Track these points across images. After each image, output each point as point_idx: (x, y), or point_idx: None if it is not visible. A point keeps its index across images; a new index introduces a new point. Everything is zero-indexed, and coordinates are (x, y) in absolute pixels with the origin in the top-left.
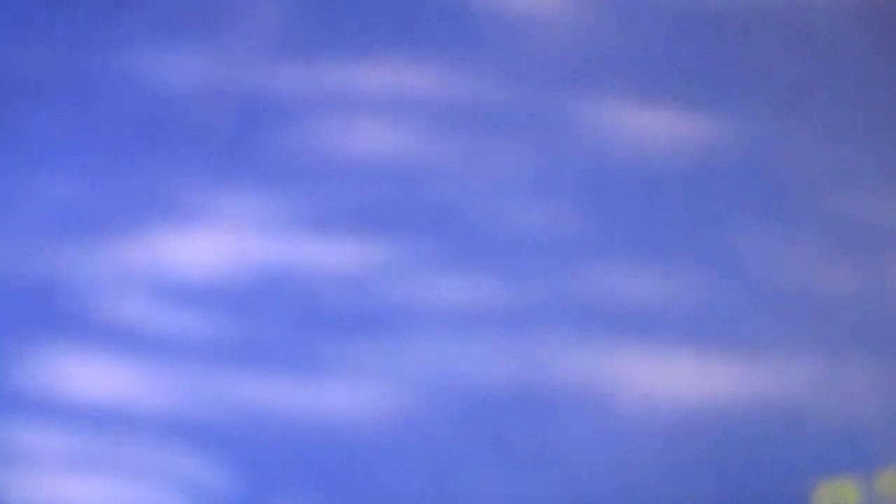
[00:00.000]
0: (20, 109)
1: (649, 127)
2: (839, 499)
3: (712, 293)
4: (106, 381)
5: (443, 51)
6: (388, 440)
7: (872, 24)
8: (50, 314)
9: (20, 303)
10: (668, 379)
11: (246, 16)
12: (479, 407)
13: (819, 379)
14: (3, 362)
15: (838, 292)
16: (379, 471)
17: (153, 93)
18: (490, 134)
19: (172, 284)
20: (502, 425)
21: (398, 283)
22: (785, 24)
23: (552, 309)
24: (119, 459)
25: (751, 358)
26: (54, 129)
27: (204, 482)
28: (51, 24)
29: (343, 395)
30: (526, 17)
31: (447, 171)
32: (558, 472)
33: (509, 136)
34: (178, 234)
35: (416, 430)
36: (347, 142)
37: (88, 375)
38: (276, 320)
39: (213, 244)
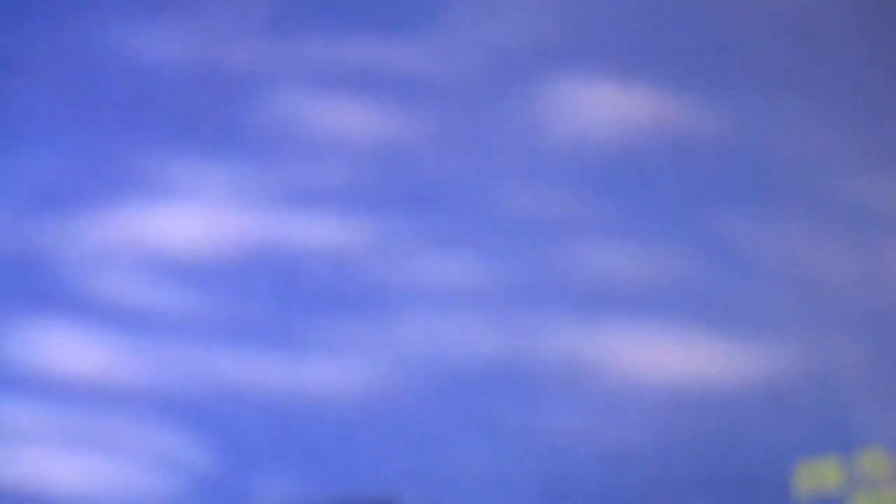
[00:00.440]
0: (1, 86)
1: (633, 105)
2: (822, 479)
3: (697, 272)
4: (86, 357)
5: (424, 28)
6: (370, 417)
7: (860, 5)
8: (30, 290)
9: (0, 278)
10: (653, 358)
11: None
12: (462, 385)
13: (803, 359)
14: None
15: (824, 273)
16: (361, 448)
17: (134, 69)
18: (472, 112)
19: (153, 260)
20: (486, 403)
21: (381, 260)
22: (771, 4)
23: (536, 287)
24: (99, 435)
25: (735, 338)
26: (34, 106)
27: (184, 458)
28: (33, 1)
29: (325, 372)
30: None
31: (429, 148)
32: (542, 449)
33: (492, 114)
34: (159, 209)
35: (399, 407)
36: (329, 118)
37: (68, 351)
38: (258, 296)
39: (194, 220)
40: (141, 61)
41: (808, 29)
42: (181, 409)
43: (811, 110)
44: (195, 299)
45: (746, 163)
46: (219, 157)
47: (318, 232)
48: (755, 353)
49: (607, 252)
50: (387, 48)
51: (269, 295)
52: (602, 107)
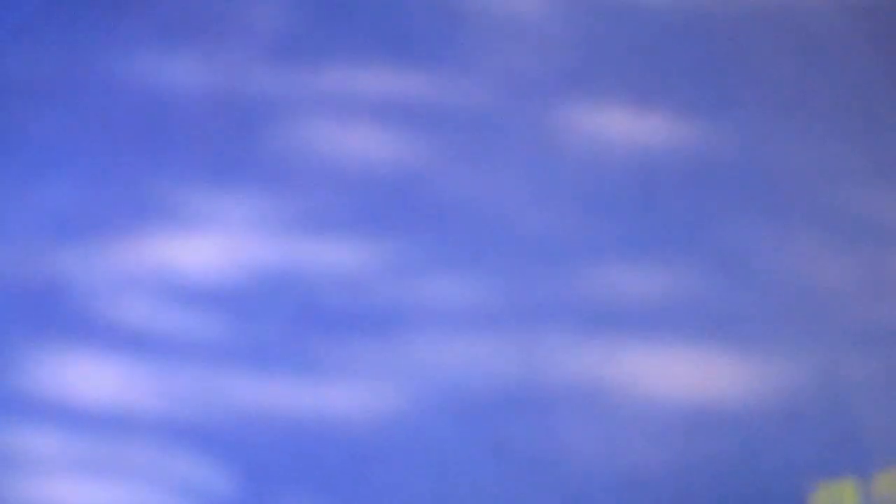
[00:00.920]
0: (21, 114)
1: (646, 129)
2: (838, 500)
3: (711, 292)
4: (107, 384)
5: (440, 56)
6: (388, 442)
7: (867, 23)
8: (51, 317)
9: (22, 306)
10: (667, 378)
11: (245, 21)
12: (479, 408)
13: (819, 378)
14: (5, 365)
15: (838, 289)
16: (380, 472)
17: (153, 97)
18: (487, 137)
19: (174, 287)
20: (502, 426)
21: (397, 284)
22: (779, 26)
23: (551, 310)
24: (122, 462)
25: (751, 357)
26: (56, 134)
27: (205, 484)
28: (51, 29)
29: (343, 397)
30: (522, 22)
31: (445, 174)
32: (558, 472)
33: (507, 140)
34: (179, 237)
35: (417, 431)
36: (346, 146)
37: (90, 378)
38: (277, 322)
39: (213, 247)
40: (161, 90)
41: (814, 49)
42: (203, 435)
43: (820, 128)
44: (215, 326)
45: (758, 181)
46: (238, 185)
47: (336, 257)
48: (770, 373)
49: (621, 273)
50: (403, 77)
51: (288, 321)
52: (615, 129)
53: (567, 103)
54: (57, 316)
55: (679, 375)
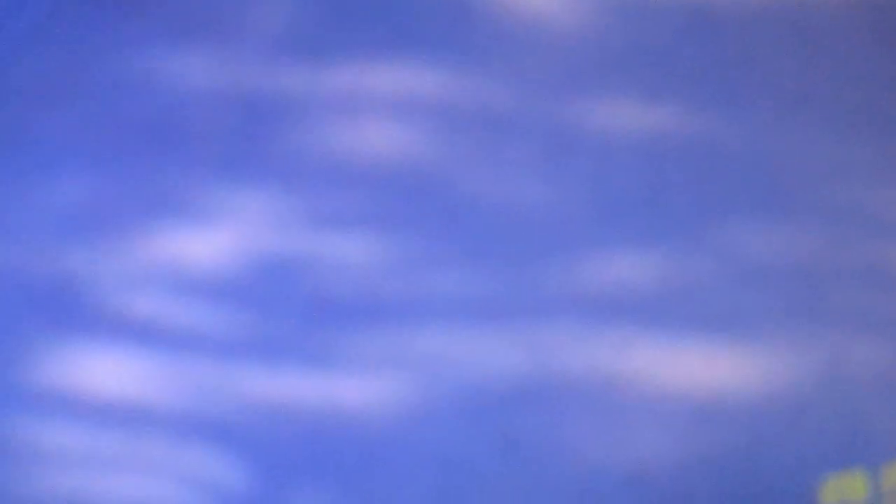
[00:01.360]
0: (33, 112)
1: (655, 124)
2: (847, 493)
3: (719, 286)
4: (121, 378)
5: (449, 52)
6: (399, 433)
7: (874, 21)
8: (65, 313)
9: (36, 302)
10: (675, 373)
11: (255, 18)
12: (488, 400)
13: (825, 371)
14: (19, 360)
15: (844, 283)
16: (390, 463)
17: (164, 94)
18: (498, 132)
19: (186, 282)
20: (511, 418)
21: (409, 278)
22: (786, 23)
23: (561, 304)
24: (136, 456)
25: (758, 350)
26: (67, 132)
27: (217, 476)
28: (62, 28)
29: (355, 390)
30: (531, 19)
31: (456, 169)
32: (566, 465)
33: (517, 135)
34: (192, 232)
35: (427, 423)
36: (356, 141)
37: (103, 373)
38: (290, 316)
39: (225, 242)
40: (172, 88)
41: (821, 45)
42: (215, 427)
43: (826, 123)
44: (228, 320)
45: (765, 176)
46: (250, 181)
47: (347, 252)
48: (779, 366)
49: (630, 267)
50: (412, 73)
51: (300, 314)
52: (625, 127)
53: (576, 99)
54: (70, 311)
55: (687, 369)
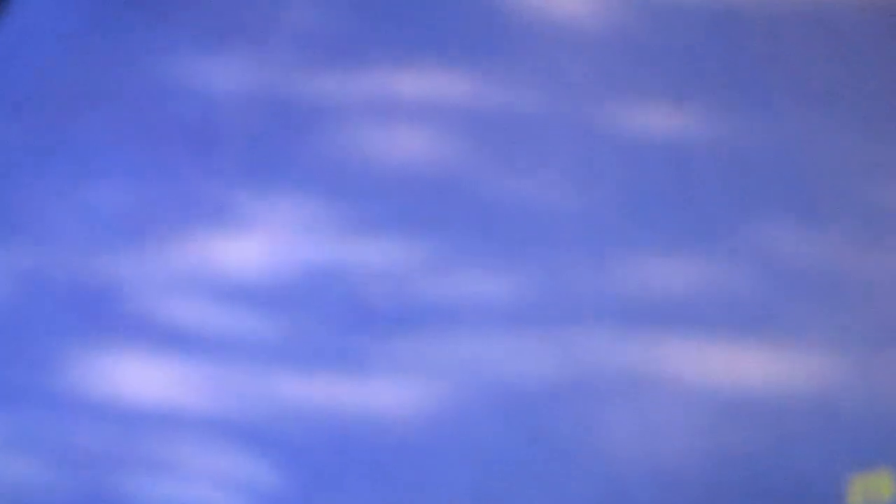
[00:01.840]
0: (71, 119)
1: (682, 126)
2: (874, 492)
3: (748, 286)
4: (158, 383)
5: (480, 57)
6: (433, 436)
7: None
8: (102, 318)
9: (73, 307)
10: (704, 372)
11: (288, 25)
12: (520, 402)
13: (853, 370)
14: (58, 365)
15: (871, 283)
16: (424, 466)
17: (199, 100)
18: (527, 136)
19: (222, 287)
20: (542, 419)
21: (441, 282)
22: (814, 24)
23: (590, 305)
24: (170, 459)
25: (786, 350)
26: (104, 138)
27: (253, 480)
28: (99, 35)
29: (388, 393)
30: (560, 24)
31: (487, 173)
32: (598, 464)
33: (546, 138)
34: (227, 237)
35: (460, 426)
36: (388, 146)
37: (140, 376)
38: (324, 321)
39: (260, 247)
40: (209, 94)
41: (848, 46)
42: (251, 432)
43: (853, 124)
44: (263, 325)
45: (792, 176)
46: (284, 187)
47: (380, 257)
48: (806, 365)
49: (658, 268)
50: (444, 78)
51: (334, 319)
52: (652, 127)
53: (604, 102)
54: (108, 316)
55: (716, 368)
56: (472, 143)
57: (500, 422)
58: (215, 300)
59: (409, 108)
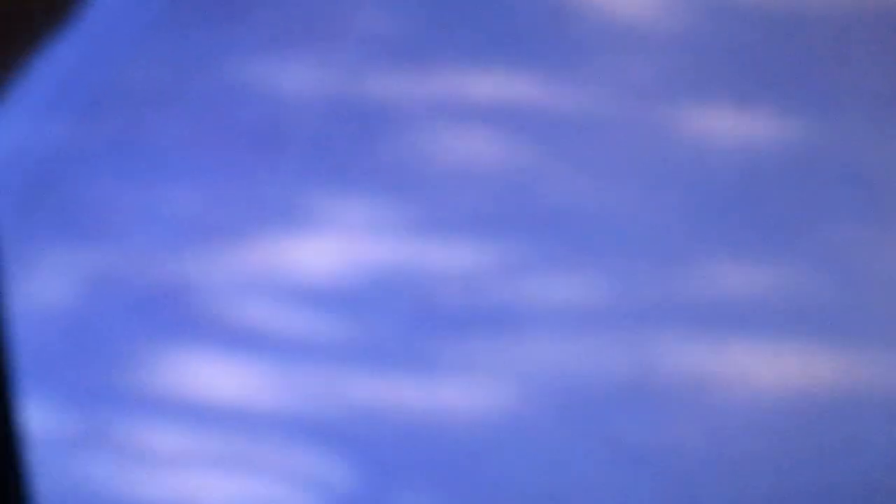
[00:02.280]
0: (144, 122)
1: (751, 128)
2: None
3: (816, 288)
4: (230, 382)
5: (549, 60)
6: (502, 437)
7: None
8: (175, 318)
9: (147, 308)
10: (772, 375)
11: (359, 27)
12: (589, 403)
13: None
14: (133, 365)
15: None
16: (494, 466)
17: (270, 102)
18: (597, 138)
19: (293, 288)
20: (612, 421)
21: (510, 284)
22: (881, 25)
23: (659, 308)
24: (243, 457)
25: (853, 353)
26: (176, 140)
27: (325, 478)
28: (171, 37)
29: (458, 394)
30: (628, 26)
31: (556, 175)
32: (666, 465)
33: (615, 141)
34: (298, 238)
35: (530, 426)
36: (459, 148)
37: (214, 377)
38: (393, 321)
39: (331, 248)
40: (279, 95)
41: None
42: (322, 431)
43: None
44: (334, 325)
45: (861, 179)
46: (354, 187)
47: (450, 258)
48: (873, 368)
49: (727, 271)
50: (514, 80)
51: (403, 320)
52: (720, 129)
53: (673, 104)
54: (181, 317)
55: (784, 371)
56: (541, 146)
57: (569, 423)
58: (287, 300)
59: (478, 110)
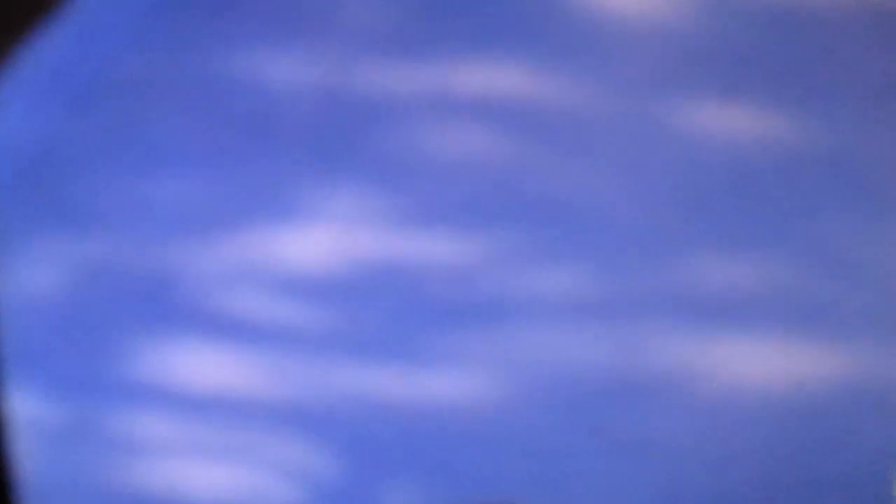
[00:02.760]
0: (135, 112)
1: (739, 122)
2: None
3: (803, 283)
4: (218, 373)
5: (538, 53)
6: (490, 428)
7: None
8: (164, 308)
9: (136, 298)
10: (759, 369)
11: (350, 18)
12: (577, 396)
13: None
14: (121, 355)
15: None
16: (482, 458)
17: (260, 94)
18: (585, 132)
19: (282, 279)
20: (600, 413)
21: (498, 275)
22: (869, 19)
23: (647, 301)
24: (230, 447)
25: (840, 347)
26: (167, 132)
27: (312, 469)
28: (163, 29)
29: (446, 385)
30: (617, 20)
31: (544, 168)
32: (654, 457)
33: (603, 134)
34: (287, 229)
35: (517, 418)
36: (448, 140)
37: (201, 367)
38: (381, 312)
39: (319, 239)
40: (269, 87)
41: None
42: (309, 421)
43: None
44: (322, 315)
45: (849, 173)
46: (343, 179)
47: (438, 249)
48: (860, 363)
49: (715, 264)
50: (502, 73)
51: (392, 311)
52: (711, 126)
53: (661, 98)
54: (170, 307)
55: (770, 365)
56: (530, 138)
57: (557, 414)
58: (277, 291)
59: (468, 102)
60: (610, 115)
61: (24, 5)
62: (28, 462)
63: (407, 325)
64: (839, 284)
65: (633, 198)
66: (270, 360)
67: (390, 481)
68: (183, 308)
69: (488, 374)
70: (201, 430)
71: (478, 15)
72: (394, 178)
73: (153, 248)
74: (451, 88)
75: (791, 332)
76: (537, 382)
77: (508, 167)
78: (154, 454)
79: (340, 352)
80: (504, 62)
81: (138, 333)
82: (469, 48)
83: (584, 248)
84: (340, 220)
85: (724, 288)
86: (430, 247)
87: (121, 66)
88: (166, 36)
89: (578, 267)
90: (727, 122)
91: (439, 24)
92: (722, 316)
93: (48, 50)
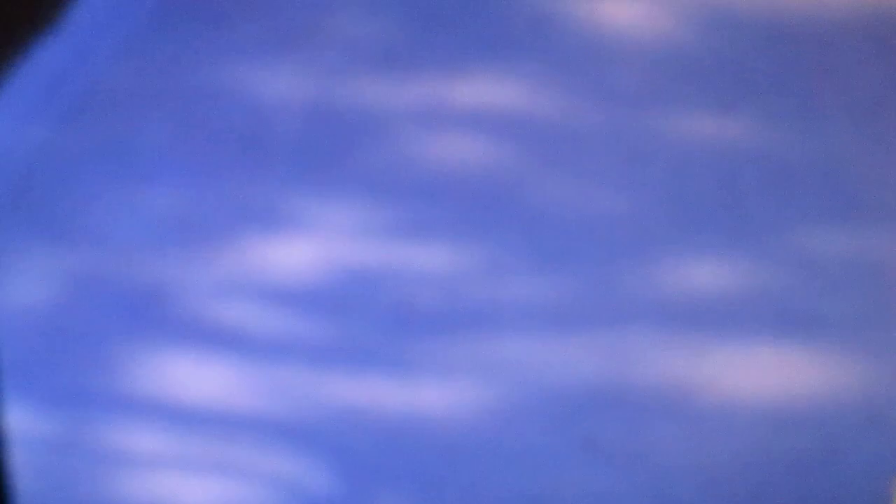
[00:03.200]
0: (126, 124)
1: (730, 135)
2: None
3: (793, 293)
4: (209, 384)
5: (530, 66)
6: (481, 439)
7: None
8: (155, 320)
9: (127, 309)
10: (750, 378)
11: (342, 32)
12: (567, 406)
13: None
14: (111, 366)
15: None
16: (473, 469)
17: (252, 106)
18: (576, 144)
19: (273, 290)
20: (590, 424)
21: (489, 287)
22: (861, 35)
23: (637, 311)
24: (221, 459)
25: (832, 357)
26: (159, 143)
27: (303, 482)
28: (156, 42)
29: (437, 396)
30: (610, 33)
31: (534, 179)
32: (645, 468)
33: (594, 146)
34: (278, 241)
35: (508, 429)
36: (438, 152)
37: (192, 379)
38: (372, 323)
39: (311, 251)
40: (258, 99)
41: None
42: (300, 433)
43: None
44: (313, 327)
45: (839, 184)
46: (334, 191)
47: (429, 261)
48: (852, 372)
49: (705, 275)
50: (495, 86)
51: (384, 322)
52: (702, 138)
53: (652, 110)
54: (160, 318)
55: (761, 375)
56: (520, 150)
57: (546, 425)
58: (267, 303)
59: (459, 115)
60: (603, 128)
61: (15, 18)
62: (20, 474)
63: (399, 336)
64: (829, 294)
65: (624, 209)
66: (262, 372)
67: (383, 493)
68: (174, 320)
69: (480, 385)
70: (193, 442)
71: (471, 28)
72: (385, 190)
73: (145, 260)
74: (442, 101)
75: (782, 344)
76: (528, 394)
77: (499, 180)
78: (146, 467)
79: (332, 364)
80: (497, 75)
81: (130, 345)
82: (461, 61)
83: (576, 260)
84: (331, 232)
85: (714, 299)
86: (422, 259)
87: (112, 79)
88: (158, 49)
89: (569, 278)
90: (720, 135)
91: (432, 38)
92: (714, 327)
93: (40, 62)
